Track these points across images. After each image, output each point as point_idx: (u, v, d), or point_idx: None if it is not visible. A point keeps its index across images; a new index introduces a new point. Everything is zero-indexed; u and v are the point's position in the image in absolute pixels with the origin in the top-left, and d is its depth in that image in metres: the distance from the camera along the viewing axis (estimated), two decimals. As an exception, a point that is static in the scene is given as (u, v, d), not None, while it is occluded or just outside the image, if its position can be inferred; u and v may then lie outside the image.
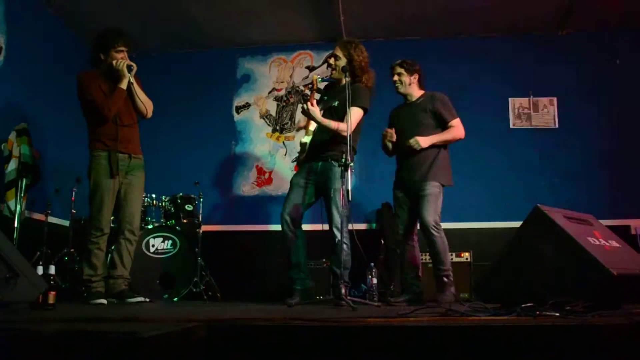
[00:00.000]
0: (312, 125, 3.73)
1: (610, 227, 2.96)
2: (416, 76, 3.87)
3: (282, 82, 5.95)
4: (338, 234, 3.46)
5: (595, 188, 5.19)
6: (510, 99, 5.55)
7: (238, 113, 5.94)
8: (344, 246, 3.43)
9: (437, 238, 3.65)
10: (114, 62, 3.53)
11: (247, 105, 5.94)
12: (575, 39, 5.54)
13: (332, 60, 3.75)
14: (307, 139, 3.73)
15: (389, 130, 3.92)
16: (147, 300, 3.63)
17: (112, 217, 3.75)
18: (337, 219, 3.52)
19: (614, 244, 2.69)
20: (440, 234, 3.66)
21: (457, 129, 3.81)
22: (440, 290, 3.65)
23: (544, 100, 5.52)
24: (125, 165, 3.60)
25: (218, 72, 6.00)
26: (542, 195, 5.13)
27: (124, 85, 3.53)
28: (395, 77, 3.90)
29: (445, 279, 3.66)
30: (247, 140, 5.86)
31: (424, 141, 3.72)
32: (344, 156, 3.26)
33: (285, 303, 3.41)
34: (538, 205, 2.69)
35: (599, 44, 5.47)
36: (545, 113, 5.50)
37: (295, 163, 3.86)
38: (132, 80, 3.59)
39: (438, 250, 3.66)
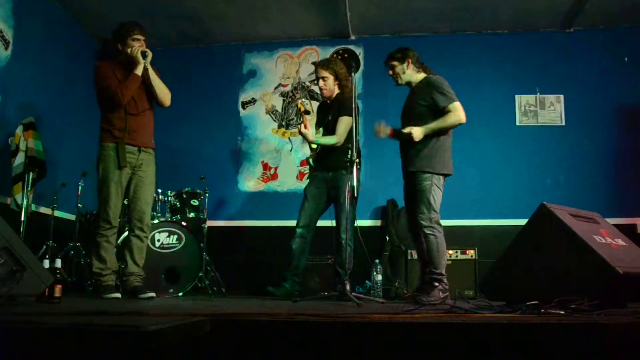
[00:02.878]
0: (320, 134, 4.09)
1: (617, 226, 2.96)
2: (408, 61, 3.68)
3: (288, 77, 5.94)
4: (344, 237, 3.75)
5: (601, 186, 5.15)
6: (516, 96, 5.52)
7: (244, 109, 5.93)
8: (348, 248, 3.68)
9: (431, 237, 3.38)
10: (129, 49, 3.54)
11: (253, 101, 5.94)
12: (583, 36, 5.50)
13: (321, 83, 4.08)
14: (311, 160, 4.19)
15: (378, 125, 3.71)
16: (155, 296, 3.59)
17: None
18: (345, 224, 3.77)
19: (620, 242, 2.68)
20: (434, 233, 3.39)
21: (454, 114, 3.49)
22: (426, 291, 3.33)
23: (550, 98, 5.49)
24: (134, 158, 3.56)
25: (224, 67, 5.99)
26: (548, 192, 5.11)
27: (138, 71, 3.53)
28: (390, 72, 3.76)
29: (435, 283, 3.34)
30: (252, 135, 5.86)
31: (417, 131, 3.46)
32: (349, 153, 3.43)
33: (290, 299, 3.44)
34: (544, 202, 2.69)
35: (607, 41, 5.42)
36: (551, 110, 5.47)
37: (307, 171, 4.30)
38: (148, 66, 3.60)
39: (431, 251, 3.38)
